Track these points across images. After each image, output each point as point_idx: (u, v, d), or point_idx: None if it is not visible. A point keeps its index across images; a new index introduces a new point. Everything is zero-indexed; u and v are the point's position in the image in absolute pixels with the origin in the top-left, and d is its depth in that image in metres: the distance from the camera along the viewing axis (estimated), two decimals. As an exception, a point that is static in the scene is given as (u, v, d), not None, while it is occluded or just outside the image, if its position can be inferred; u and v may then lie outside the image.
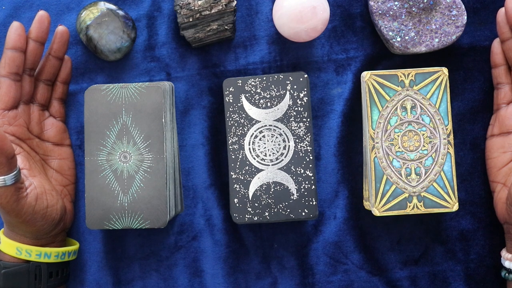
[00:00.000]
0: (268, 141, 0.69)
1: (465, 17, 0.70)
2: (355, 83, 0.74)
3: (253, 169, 0.69)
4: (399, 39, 0.70)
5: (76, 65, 0.74)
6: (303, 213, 0.68)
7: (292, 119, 0.69)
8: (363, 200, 0.73)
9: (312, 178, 0.68)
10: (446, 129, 0.69)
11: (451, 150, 0.68)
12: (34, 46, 0.68)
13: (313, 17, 0.68)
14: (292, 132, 0.69)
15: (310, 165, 0.68)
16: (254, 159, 0.69)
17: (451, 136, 0.69)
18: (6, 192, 0.61)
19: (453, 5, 0.70)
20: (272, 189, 0.68)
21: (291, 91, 0.69)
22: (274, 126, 0.69)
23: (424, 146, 0.68)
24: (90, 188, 0.67)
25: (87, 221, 0.67)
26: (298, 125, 0.69)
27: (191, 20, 0.71)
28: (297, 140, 0.69)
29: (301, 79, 0.69)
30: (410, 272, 0.73)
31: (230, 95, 0.69)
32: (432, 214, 0.73)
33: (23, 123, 0.68)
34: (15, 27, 0.66)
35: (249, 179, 0.69)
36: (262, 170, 0.69)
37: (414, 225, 0.73)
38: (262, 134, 0.69)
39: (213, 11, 0.71)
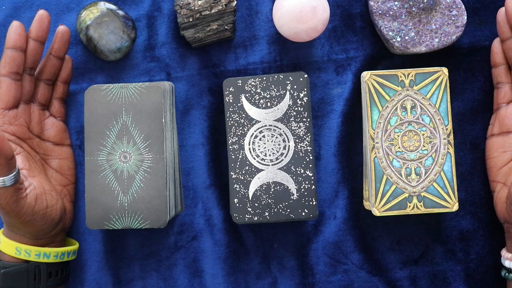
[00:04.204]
0: (268, 141, 0.69)
1: (465, 17, 0.70)
2: (355, 83, 0.74)
3: (253, 169, 0.69)
4: (399, 39, 0.70)
5: (76, 65, 0.74)
6: (303, 213, 0.68)
7: (292, 119, 0.69)
8: (363, 200, 0.73)
9: (312, 178, 0.68)
10: (446, 129, 0.69)
11: (451, 150, 0.68)
12: (34, 45, 0.68)
13: (313, 17, 0.68)
14: (292, 132, 0.69)
15: (310, 165, 0.68)
16: (254, 159, 0.69)
17: (451, 136, 0.69)
18: (5, 193, 0.61)
19: (453, 5, 0.70)
20: (272, 189, 0.68)
21: (291, 91, 0.69)
22: (274, 126, 0.69)
23: (424, 146, 0.68)
24: (90, 188, 0.67)
25: (87, 221, 0.67)
26: (298, 125, 0.69)
27: (191, 20, 0.71)
28: (297, 140, 0.69)
29: (301, 79, 0.69)
30: (410, 272, 0.73)
31: (230, 95, 0.69)
32: (432, 214, 0.73)
33: (23, 122, 0.68)
34: (15, 26, 0.66)
35: (249, 179, 0.69)
36: (262, 170, 0.69)
37: (414, 225, 0.73)
38: (262, 134, 0.69)
39: (213, 11, 0.71)
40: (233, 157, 0.69)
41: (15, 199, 0.62)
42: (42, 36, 0.68)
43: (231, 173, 0.69)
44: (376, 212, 0.68)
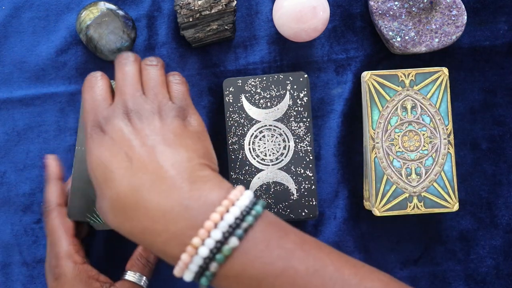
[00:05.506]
0: (268, 141, 0.69)
1: (465, 17, 0.70)
2: (355, 83, 0.74)
3: (253, 169, 0.69)
4: (399, 39, 0.70)
5: (76, 65, 0.74)
6: (303, 213, 0.68)
7: (292, 119, 0.69)
8: (363, 200, 0.73)
9: (312, 178, 0.68)
10: (447, 129, 0.69)
11: (452, 150, 0.68)
12: None
13: (313, 17, 0.68)
14: (292, 132, 0.69)
15: (310, 165, 0.68)
16: (254, 159, 0.69)
17: (452, 136, 0.69)
18: None
19: (453, 5, 0.70)
20: (272, 189, 0.68)
21: (291, 91, 0.69)
22: (274, 126, 0.69)
23: (424, 146, 0.68)
24: (77, 177, 0.65)
25: (69, 210, 0.65)
26: (298, 125, 0.69)
27: (191, 20, 0.71)
28: (297, 140, 0.69)
29: (301, 79, 0.69)
30: (410, 272, 0.73)
31: (230, 95, 0.69)
32: (432, 214, 0.73)
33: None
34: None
35: (249, 179, 0.69)
36: (262, 170, 0.69)
37: (414, 225, 0.73)
38: (262, 134, 0.69)
39: (213, 11, 0.71)
40: (233, 157, 0.69)
41: None
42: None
43: (231, 173, 0.69)
44: (377, 212, 0.68)
